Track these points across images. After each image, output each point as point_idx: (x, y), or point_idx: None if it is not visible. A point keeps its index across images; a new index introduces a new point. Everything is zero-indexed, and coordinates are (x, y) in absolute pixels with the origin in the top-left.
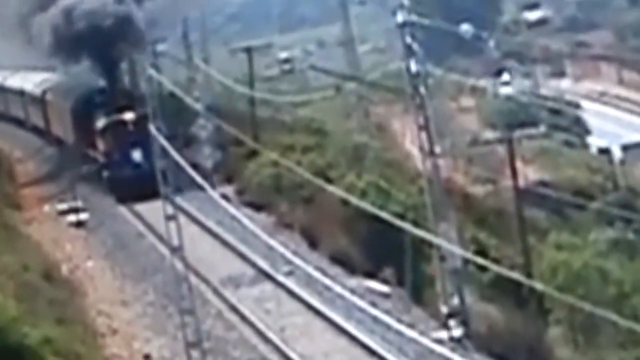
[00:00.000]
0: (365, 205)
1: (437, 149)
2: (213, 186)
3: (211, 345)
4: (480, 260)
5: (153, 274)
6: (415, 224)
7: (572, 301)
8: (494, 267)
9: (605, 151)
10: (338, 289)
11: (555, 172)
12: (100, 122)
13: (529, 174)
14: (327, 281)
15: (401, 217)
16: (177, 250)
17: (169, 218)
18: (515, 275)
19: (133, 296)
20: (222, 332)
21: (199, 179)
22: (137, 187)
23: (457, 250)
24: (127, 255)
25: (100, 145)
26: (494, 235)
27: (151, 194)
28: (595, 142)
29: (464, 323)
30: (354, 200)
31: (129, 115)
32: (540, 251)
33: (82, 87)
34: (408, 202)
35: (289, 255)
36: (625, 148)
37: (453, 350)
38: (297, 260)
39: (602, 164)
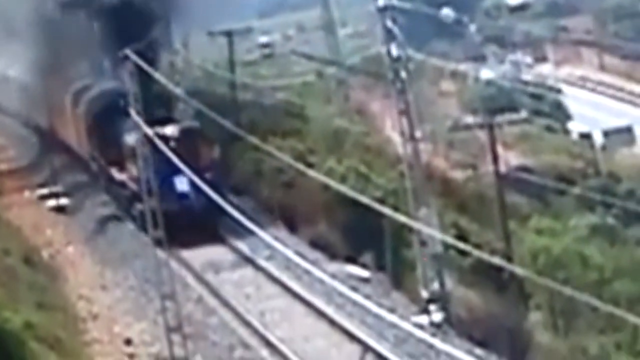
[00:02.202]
0: (345, 190)
1: (418, 134)
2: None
3: (191, 330)
4: (460, 245)
5: (133, 259)
6: (396, 208)
7: (553, 286)
8: (475, 252)
9: (586, 136)
10: (318, 273)
11: (536, 157)
12: (131, 138)
13: (510, 159)
14: (307, 266)
15: (381, 201)
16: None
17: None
18: (496, 260)
19: (113, 281)
20: (202, 316)
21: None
22: (183, 225)
23: (438, 235)
24: (108, 240)
25: (131, 167)
26: (475, 221)
27: (203, 236)
28: (576, 127)
29: (444, 308)
30: (334, 185)
31: (170, 130)
32: (520, 236)
33: (102, 88)
34: (388, 187)
35: (269, 239)
36: (607, 133)
37: (433, 335)
38: (277, 245)
39: (583, 149)
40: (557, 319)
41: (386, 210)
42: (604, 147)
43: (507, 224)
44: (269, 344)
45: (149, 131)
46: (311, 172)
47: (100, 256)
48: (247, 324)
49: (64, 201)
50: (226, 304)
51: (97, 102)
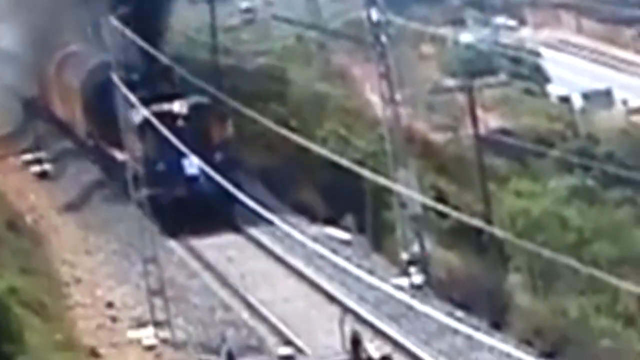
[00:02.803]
0: (326, 153)
1: (398, 97)
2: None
3: (173, 293)
4: (440, 207)
5: (116, 223)
6: (376, 171)
7: (532, 248)
8: (454, 214)
9: (565, 99)
10: (299, 236)
11: (516, 120)
12: (135, 115)
13: (489, 121)
14: (289, 229)
15: (361, 164)
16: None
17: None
18: (475, 222)
19: (96, 245)
20: (184, 279)
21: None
22: (193, 212)
23: (417, 197)
24: (91, 206)
25: (134, 147)
26: (454, 183)
27: (213, 223)
28: (555, 90)
29: (424, 270)
30: (314, 148)
31: (178, 106)
32: (500, 198)
33: (100, 60)
34: (368, 149)
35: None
36: (586, 96)
37: (413, 296)
38: (259, 208)
39: (562, 112)
40: (537, 281)
41: (366, 173)
42: (583, 110)
43: (487, 186)
44: (249, 306)
45: (148, 110)
46: (292, 136)
47: (83, 221)
48: (228, 287)
49: (47, 167)
50: (208, 266)
51: (94, 76)
